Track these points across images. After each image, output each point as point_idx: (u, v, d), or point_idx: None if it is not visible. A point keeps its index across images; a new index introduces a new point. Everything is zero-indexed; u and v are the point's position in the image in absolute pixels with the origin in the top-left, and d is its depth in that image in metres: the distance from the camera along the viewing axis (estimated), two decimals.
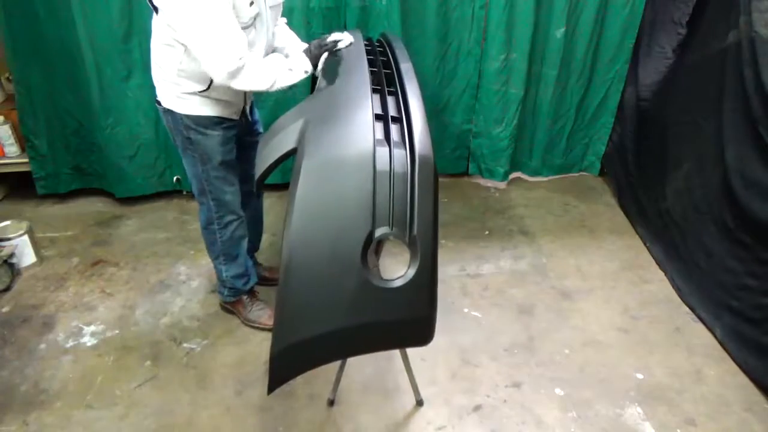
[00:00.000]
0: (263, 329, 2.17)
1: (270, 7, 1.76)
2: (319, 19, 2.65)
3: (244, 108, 1.91)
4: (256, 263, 2.40)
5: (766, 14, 2.02)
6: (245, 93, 1.86)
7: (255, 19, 1.67)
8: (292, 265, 1.29)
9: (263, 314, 2.21)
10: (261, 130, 2.09)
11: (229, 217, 2.00)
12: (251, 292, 2.23)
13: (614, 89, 3.05)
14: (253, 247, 2.36)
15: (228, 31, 1.52)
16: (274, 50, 1.93)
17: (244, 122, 1.94)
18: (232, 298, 2.21)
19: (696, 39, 2.50)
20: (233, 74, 1.57)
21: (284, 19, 2.01)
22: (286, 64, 1.70)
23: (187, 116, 1.77)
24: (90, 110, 2.74)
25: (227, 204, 1.97)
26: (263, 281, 2.37)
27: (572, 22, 2.83)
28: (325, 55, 1.74)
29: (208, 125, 1.80)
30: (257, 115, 2.09)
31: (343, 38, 1.75)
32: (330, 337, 1.35)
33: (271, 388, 1.42)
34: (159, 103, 1.82)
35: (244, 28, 1.62)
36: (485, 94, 2.99)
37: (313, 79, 1.85)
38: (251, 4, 1.62)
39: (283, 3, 1.90)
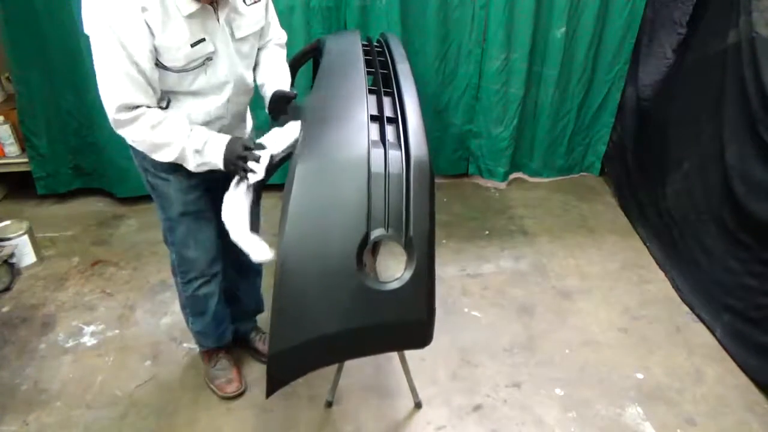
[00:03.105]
0: (216, 394, 1.91)
1: (237, 39, 1.45)
2: (319, 19, 2.65)
3: None
4: (254, 328, 2.09)
5: (766, 14, 2.02)
6: (212, 114, 1.54)
7: (207, 60, 1.39)
8: (286, 268, 1.29)
9: (221, 377, 1.91)
10: None
11: (192, 275, 1.72)
12: (223, 348, 1.96)
13: (615, 89, 3.05)
14: (252, 311, 2.07)
15: (112, 77, 1.29)
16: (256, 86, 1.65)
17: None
18: (199, 347, 1.97)
19: (696, 39, 2.50)
20: (120, 125, 1.36)
21: (282, 37, 1.72)
22: (195, 143, 1.40)
23: (144, 157, 1.51)
24: (90, 110, 2.74)
25: (190, 261, 1.70)
26: (259, 356, 2.04)
27: (573, 22, 2.83)
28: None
29: (167, 169, 1.54)
30: None
31: (256, 171, 1.40)
32: (327, 340, 1.34)
33: (269, 391, 1.42)
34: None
35: (185, 72, 1.37)
36: (485, 94, 2.99)
37: (313, 75, 1.82)
38: (197, 43, 1.34)
39: (269, 26, 1.62)
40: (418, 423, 1.85)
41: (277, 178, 2.95)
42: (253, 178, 1.41)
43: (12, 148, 2.89)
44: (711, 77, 2.29)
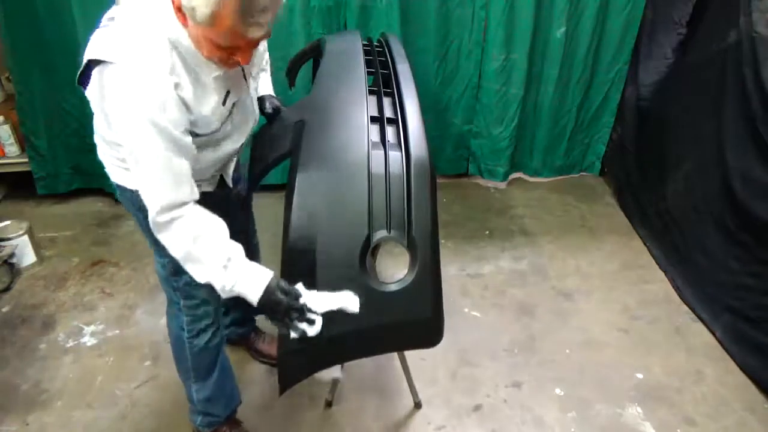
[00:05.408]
0: None
1: (253, 77, 1.39)
2: (319, 19, 2.65)
3: (222, 176, 1.48)
4: (254, 328, 2.05)
5: (766, 14, 2.02)
6: (228, 154, 1.41)
7: (232, 108, 1.31)
8: (291, 272, 1.30)
9: None
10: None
11: (205, 322, 1.56)
12: (232, 421, 1.76)
13: (615, 89, 3.05)
14: (254, 310, 1.90)
15: (154, 176, 1.15)
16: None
17: (225, 188, 1.52)
18: (207, 429, 1.72)
19: (696, 39, 2.50)
20: (161, 229, 1.20)
21: (268, 61, 1.64)
22: (229, 278, 1.23)
23: (137, 195, 1.25)
24: (90, 110, 2.72)
25: (202, 304, 1.53)
26: (259, 356, 2.03)
27: (573, 22, 2.83)
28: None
29: None
30: (242, 167, 1.63)
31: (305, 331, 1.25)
32: (334, 341, 1.34)
33: (282, 390, 1.42)
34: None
35: (217, 130, 1.28)
36: (485, 94, 2.99)
37: (313, 75, 1.82)
38: (225, 98, 1.25)
39: (268, 60, 1.58)
40: (418, 423, 1.85)
41: (276, 178, 2.95)
42: (295, 333, 1.26)
43: (12, 148, 2.89)
44: (711, 77, 2.29)
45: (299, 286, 1.26)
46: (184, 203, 1.20)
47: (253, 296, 1.23)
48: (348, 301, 1.27)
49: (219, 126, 1.28)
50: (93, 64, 1.12)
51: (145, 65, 1.08)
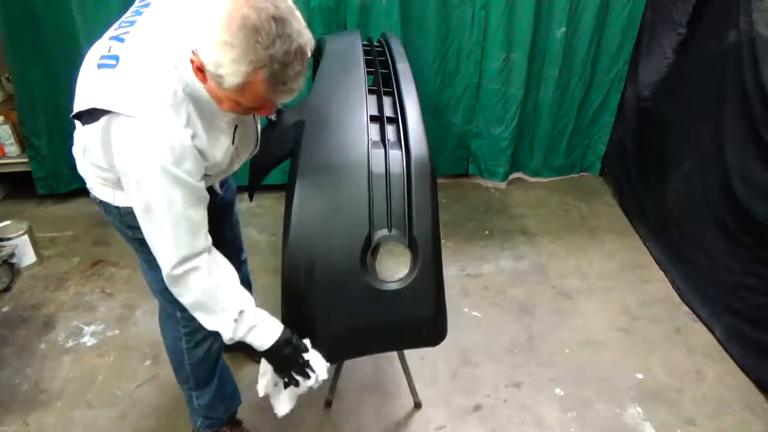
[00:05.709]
0: None
1: None
2: (319, 19, 2.65)
3: (212, 185, 1.44)
4: None
5: (766, 14, 2.02)
6: (229, 174, 1.41)
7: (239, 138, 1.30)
8: (292, 272, 1.31)
9: None
10: (234, 185, 1.71)
11: (203, 333, 1.50)
12: (232, 421, 1.75)
13: (615, 89, 3.05)
14: None
15: (171, 229, 1.11)
16: None
17: (212, 194, 1.43)
18: (207, 430, 1.71)
19: (696, 39, 2.50)
20: (176, 282, 1.18)
21: None
22: (240, 330, 1.24)
23: (125, 213, 1.26)
24: None
25: None
26: (258, 357, 2.05)
27: (573, 22, 2.83)
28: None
29: None
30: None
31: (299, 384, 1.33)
32: (335, 340, 1.35)
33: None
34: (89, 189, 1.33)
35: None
36: (485, 94, 2.99)
37: (313, 75, 1.81)
38: (234, 134, 1.23)
39: None
40: (418, 423, 1.85)
41: (276, 178, 2.95)
42: (288, 380, 1.34)
43: (12, 148, 2.89)
44: (711, 77, 2.29)
45: (306, 342, 1.31)
46: (201, 253, 1.17)
47: (260, 347, 1.27)
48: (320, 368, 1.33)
49: (229, 162, 1.27)
50: (99, 111, 1.05)
51: (161, 119, 1.03)
